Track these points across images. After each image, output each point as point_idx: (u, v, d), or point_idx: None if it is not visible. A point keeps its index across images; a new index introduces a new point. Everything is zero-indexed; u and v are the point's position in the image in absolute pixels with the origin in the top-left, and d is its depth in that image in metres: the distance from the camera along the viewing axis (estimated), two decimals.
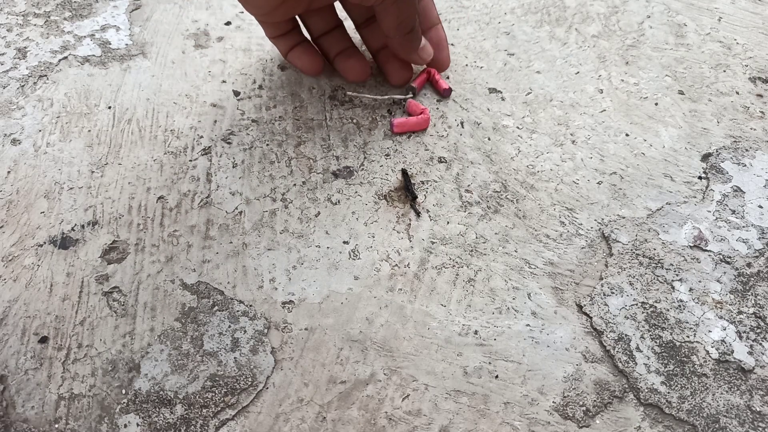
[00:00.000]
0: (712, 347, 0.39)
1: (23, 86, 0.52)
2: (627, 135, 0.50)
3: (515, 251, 0.43)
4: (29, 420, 0.36)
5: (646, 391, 0.37)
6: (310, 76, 0.52)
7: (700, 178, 0.47)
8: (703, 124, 0.50)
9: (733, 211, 0.45)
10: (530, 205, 0.45)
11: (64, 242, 0.43)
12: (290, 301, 0.41)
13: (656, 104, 0.52)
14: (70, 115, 0.50)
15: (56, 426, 0.36)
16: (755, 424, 0.36)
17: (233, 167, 0.47)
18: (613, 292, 0.41)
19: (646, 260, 0.43)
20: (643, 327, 0.40)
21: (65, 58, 0.54)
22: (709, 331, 0.40)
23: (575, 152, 0.48)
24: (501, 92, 0.52)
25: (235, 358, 0.38)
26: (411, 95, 0.50)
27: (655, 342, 0.39)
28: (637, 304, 0.41)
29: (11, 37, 0.56)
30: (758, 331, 0.40)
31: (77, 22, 0.57)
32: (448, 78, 0.53)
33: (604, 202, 0.46)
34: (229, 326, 0.39)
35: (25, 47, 0.55)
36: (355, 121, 0.50)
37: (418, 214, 0.45)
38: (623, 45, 0.56)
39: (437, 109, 0.51)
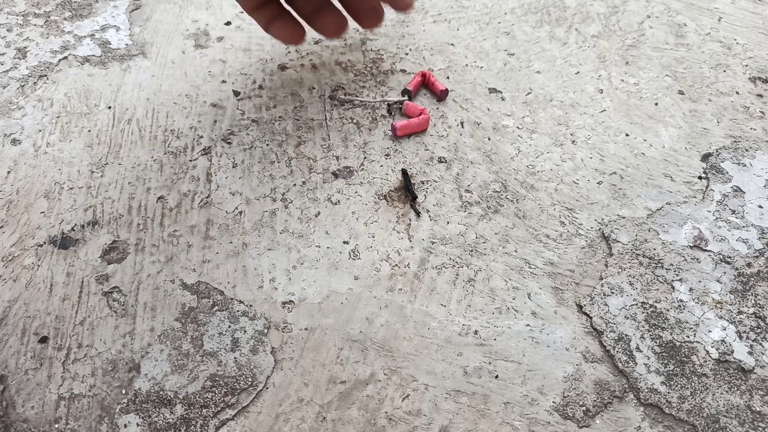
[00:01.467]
0: (712, 347, 0.39)
1: (23, 86, 0.52)
2: (627, 135, 0.50)
3: (515, 251, 0.43)
4: (29, 420, 0.36)
5: (646, 391, 0.37)
6: (292, 45, 0.51)
7: (700, 178, 0.47)
8: (703, 124, 0.50)
9: (733, 211, 0.45)
10: (530, 205, 0.45)
11: (64, 242, 0.43)
12: (290, 301, 0.41)
13: (656, 104, 0.52)
14: (70, 115, 0.50)
15: (56, 426, 0.36)
16: (755, 424, 0.36)
17: (233, 167, 0.47)
18: (613, 292, 0.41)
19: (646, 260, 0.43)
20: (643, 327, 0.40)
21: (65, 58, 0.54)
22: (709, 331, 0.40)
23: (575, 152, 0.48)
24: (501, 92, 0.52)
25: (235, 358, 0.38)
26: (406, 98, 0.50)
27: (655, 342, 0.39)
28: (637, 304, 0.41)
29: (11, 37, 0.56)
30: (758, 331, 0.40)
31: (77, 22, 0.57)
32: (448, 78, 0.53)
33: (604, 202, 0.46)
34: (229, 326, 0.39)
35: (25, 47, 0.55)
36: (355, 121, 0.50)
37: (418, 214, 0.45)
38: (623, 45, 0.56)
39: (437, 109, 0.51)
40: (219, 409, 0.36)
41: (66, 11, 0.58)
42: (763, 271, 0.42)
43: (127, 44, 0.55)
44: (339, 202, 0.45)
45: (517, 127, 0.50)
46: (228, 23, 0.58)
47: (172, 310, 0.40)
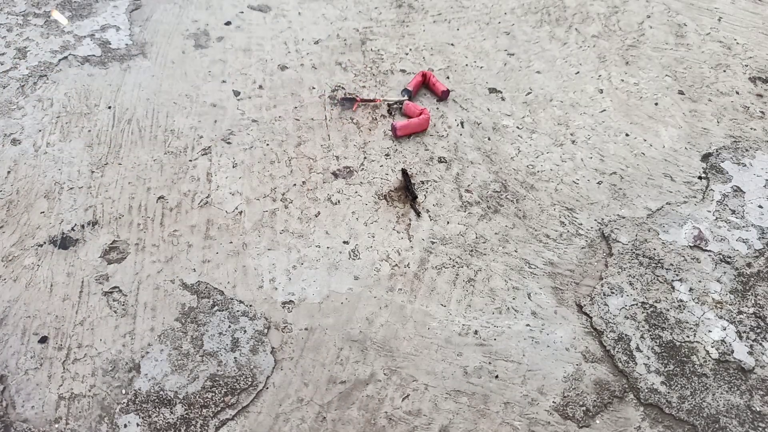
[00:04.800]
0: (712, 347, 0.39)
1: (23, 86, 0.52)
2: (627, 135, 0.50)
3: (515, 251, 0.43)
4: (29, 420, 0.36)
5: (646, 391, 0.37)
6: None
7: (700, 178, 0.47)
8: (703, 124, 0.50)
9: (733, 211, 0.45)
10: (530, 205, 0.45)
11: (64, 242, 0.43)
12: (290, 301, 0.41)
13: (656, 104, 0.52)
14: (70, 115, 0.50)
15: (56, 426, 0.36)
16: (755, 424, 0.36)
17: (233, 167, 0.47)
18: (613, 292, 0.41)
19: (646, 260, 0.43)
20: (643, 327, 0.40)
21: (65, 58, 0.54)
22: (709, 331, 0.40)
23: (575, 152, 0.48)
24: (501, 92, 0.52)
25: (235, 358, 0.38)
26: (406, 98, 0.51)
27: (655, 342, 0.39)
28: (637, 304, 0.41)
29: (11, 37, 0.56)
30: (758, 331, 0.40)
31: (77, 22, 0.57)
32: (448, 78, 0.53)
33: (604, 202, 0.46)
34: (229, 326, 0.39)
35: (25, 47, 0.55)
36: (355, 121, 0.50)
37: (418, 214, 0.45)
38: (623, 45, 0.56)
39: (437, 109, 0.51)
40: (219, 409, 0.36)
41: (66, 11, 0.58)
42: (763, 271, 0.42)
43: (127, 44, 0.55)
44: (339, 202, 0.45)
45: (517, 127, 0.50)
46: (228, 23, 0.58)
47: (172, 310, 0.40)
